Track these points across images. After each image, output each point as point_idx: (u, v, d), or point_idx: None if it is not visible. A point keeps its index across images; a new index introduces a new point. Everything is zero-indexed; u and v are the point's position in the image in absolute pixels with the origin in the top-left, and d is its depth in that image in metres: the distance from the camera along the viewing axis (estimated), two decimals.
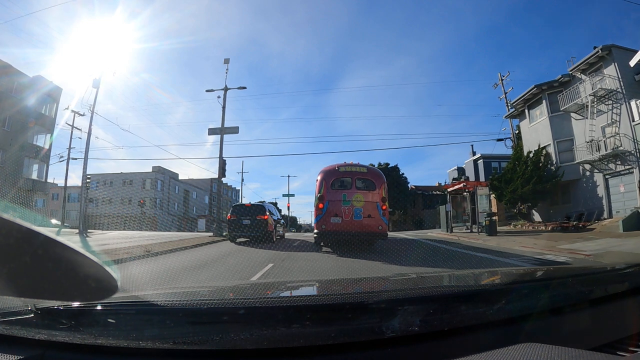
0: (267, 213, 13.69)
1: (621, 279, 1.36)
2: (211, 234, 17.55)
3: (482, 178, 30.50)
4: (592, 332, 1.07)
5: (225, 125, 18.28)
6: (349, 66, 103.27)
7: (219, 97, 18.44)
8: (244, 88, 19.78)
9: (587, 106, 17.38)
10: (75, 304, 0.93)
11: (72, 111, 24.47)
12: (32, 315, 0.94)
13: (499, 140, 24.80)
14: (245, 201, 18.79)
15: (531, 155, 19.27)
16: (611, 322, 1.13)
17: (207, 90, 18.57)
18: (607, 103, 16.79)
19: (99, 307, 0.94)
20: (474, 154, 42.29)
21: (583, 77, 17.92)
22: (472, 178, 31.72)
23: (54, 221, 22.58)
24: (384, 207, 9.88)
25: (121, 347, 0.91)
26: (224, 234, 15.93)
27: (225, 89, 18.58)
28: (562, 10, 66.75)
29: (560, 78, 18.87)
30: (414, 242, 13.06)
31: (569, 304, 1.15)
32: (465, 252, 9.25)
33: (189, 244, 11.30)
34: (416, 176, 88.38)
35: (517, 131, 23.84)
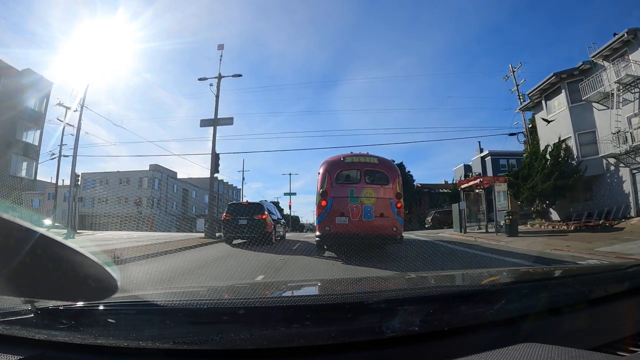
0: (266, 212, 12.61)
1: (621, 279, 1.34)
2: (203, 235, 16.19)
3: (490, 175, 29.11)
4: (592, 332, 1.07)
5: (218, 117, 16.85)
6: (350, 65, 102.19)
7: (211, 84, 17.34)
8: (240, 76, 18.78)
9: (611, 95, 16.74)
10: (75, 304, 0.93)
11: (62, 105, 23.09)
12: (32, 315, 0.93)
13: (511, 134, 23.55)
14: (250, 201, 17.46)
15: (550, 149, 18.49)
16: (611, 322, 1.13)
17: (199, 79, 17.80)
18: (633, 91, 16.07)
19: (99, 307, 0.94)
20: (481, 150, 41.05)
21: (606, 64, 17.17)
22: None
23: (47, 221, 21.40)
24: (398, 205, 8.48)
25: (121, 347, 0.91)
26: (217, 234, 14.56)
27: (219, 77, 17.57)
28: (566, 6, 65.13)
29: (581, 65, 18.15)
30: (429, 245, 11.79)
31: (569, 303, 1.15)
32: (495, 258, 8.10)
33: (174, 247, 10.07)
34: (419, 175, 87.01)
35: (530, 125, 22.63)
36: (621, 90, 16.05)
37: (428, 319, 0.98)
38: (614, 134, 16.23)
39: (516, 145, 24.04)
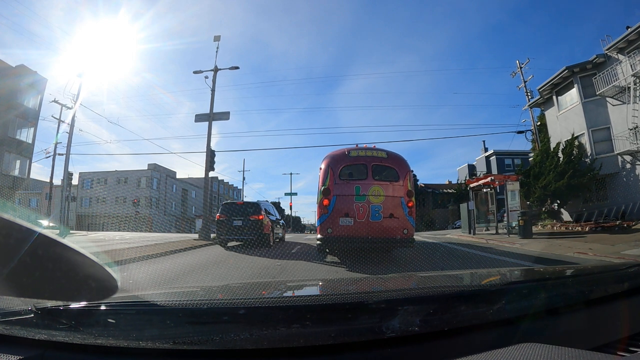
0: (263, 212, 11.69)
1: (621, 279, 1.33)
2: (197, 236, 15.28)
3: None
4: (592, 332, 1.07)
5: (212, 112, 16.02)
6: (352, 64, 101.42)
7: (206, 77, 16.56)
8: (237, 68, 18.08)
9: (627, 89, 16.21)
10: (75, 304, 0.93)
11: (57, 102, 22.28)
12: (32, 315, 0.94)
13: (519, 132, 22.66)
14: (247, 200, 16.54)
15: (562, 146, 18.05)
16: (611, 322, 1.12)
17: (194, 72, 16.83)
18: None
19: (99, 307, 0.94)
20: (486, 150, 40.27)
21: (621, 57, 16.84)
22: None
23: (45, 222, 20.74)
24: (410, 204, 7.62)
25: (121, 347, 0.92)
26: (212, 236, 13.67)
27: (215, 70, 16.83)
28: (569, 5, 64.34)
29: (595, 59, 17.66)
30: (440, 248, 10.95)
31: (569, 304, 1.14)
32: (519, 263, 7.03)
33: (160, 251, 9.19)
34: (422, 175, 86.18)
35: (539, 123, 21.95)
36: (638, 84, 15.48)
37: (428, 319, 0.98)
38: (630, 130, 15.73)
39: (521, 145, 23.38)
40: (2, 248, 0.55)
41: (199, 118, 16.83)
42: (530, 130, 22.65)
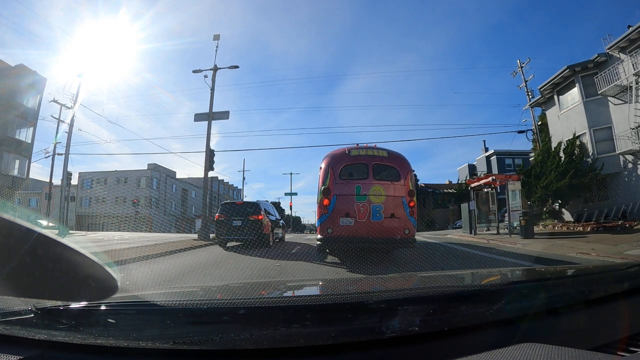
0: (262, 212, 11.64)
1: (621, 279, 1.34)
2: (196, 236, 15.26)
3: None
4: (592, 332, 1.07)
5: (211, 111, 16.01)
6: (351, 65, 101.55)
7: (206, 76, 16.53)
8: (236, 67, 18.01)
9: (629, 88, 16.19)
10: (75, 304, 0.94)
11: (57, 102, 22.28)
12: (32, 315, 0.94)
13: (520, 132, 22.62)
14: (246, 200, 16.49)
15: (563, 146, 18.09)
16: (611, 322, 1.12)
17: (194, 71, 16.81)
18: None
19: (99, 307, 0.94)
20: (486, 150, 40.25)
21: (622, 56, 16.86)
22: None
23: (44, 222, 20.77)
24: (411, 204, 7.59)
25: (121, 347, 0.92)
26: (212, 236, 13.64)
27: (215, 69, 16.78)
28: (568, 5, 64.35)
29: (596, 58, 17.59)
30: (441, 248, 10.92)
31: (569, 303, 1.15)
32: (520, 264, 7.04)
33: (159, 251, 9.13)
34: (421, 175, 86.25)
35: (540, 122, 21.96)
36: (639, 84, 15.38)
37: (428, 319, 0.98)
38: (632, 129, 15.71)
39: (522, 145, 23.46)
40: (2, 248, 0.55)
41: (199, 117, 16.78)
42: (531, 130, 22.64)
